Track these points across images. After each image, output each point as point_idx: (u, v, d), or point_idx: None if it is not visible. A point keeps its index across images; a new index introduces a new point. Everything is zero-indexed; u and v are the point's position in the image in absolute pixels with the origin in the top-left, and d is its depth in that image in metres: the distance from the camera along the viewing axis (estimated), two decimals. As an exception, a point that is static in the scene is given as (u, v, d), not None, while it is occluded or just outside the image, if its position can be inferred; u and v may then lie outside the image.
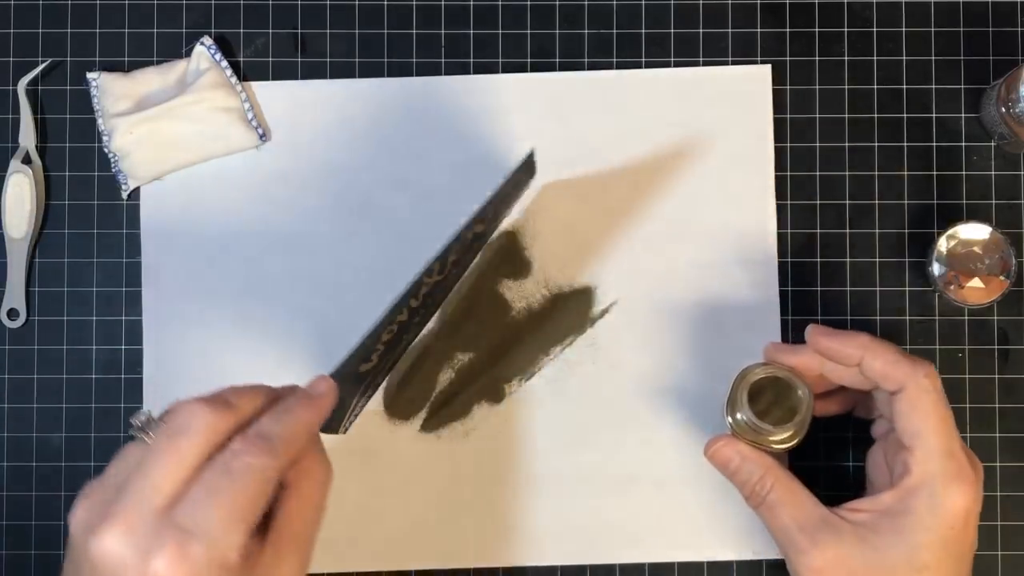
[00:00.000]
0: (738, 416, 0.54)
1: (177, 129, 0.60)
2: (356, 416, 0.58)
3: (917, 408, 0.51)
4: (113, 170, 0.61)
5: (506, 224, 0.61)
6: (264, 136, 0.61)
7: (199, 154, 0.61)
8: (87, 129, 0.62)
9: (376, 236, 0.61)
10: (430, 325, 0.61)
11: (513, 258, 0.61)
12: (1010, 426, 0.61)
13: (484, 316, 0.61)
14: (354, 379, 0.52)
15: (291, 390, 0.47)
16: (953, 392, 0.61)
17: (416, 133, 0.61)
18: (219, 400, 0.44)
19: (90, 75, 0.61)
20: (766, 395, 0.55)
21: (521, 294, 0.61)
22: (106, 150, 0.61)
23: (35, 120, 0.62)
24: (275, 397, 0.46)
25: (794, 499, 0.53)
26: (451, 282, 0.59)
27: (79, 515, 0.43)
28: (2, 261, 0.62)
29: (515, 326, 0.61)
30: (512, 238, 0.61)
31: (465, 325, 0.61)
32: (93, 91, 0.61)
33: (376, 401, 0.61)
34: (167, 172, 0.61)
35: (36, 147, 0.62)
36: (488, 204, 0.54)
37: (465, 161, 0.61)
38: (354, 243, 0.61)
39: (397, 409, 0.61)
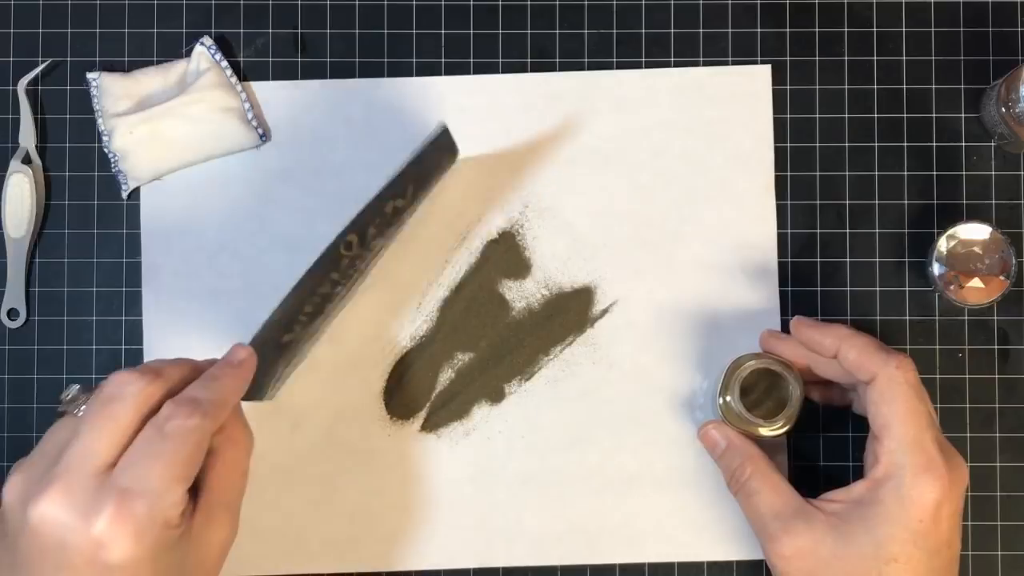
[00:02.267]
0: (729, 402, 0.56)
1: (177, 129, 0.60)
2: (280, 382, 0.57)
3: (886, 398, 0.51)
4: (113, 170, 0.61)
5: (506, 224, 0.61)
6: (264, 136, 0.61)
7: (199, 154, 0.61)
8: (87, 129, 0.62)
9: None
10: (430, 325, 0.61)
11: (513, 258, 0.61)
12: (1010, 426, 0.61)
13: (484, 316, 0.61)
14: (276, 348, 0.53)
15: (212, 361, 0.49)
16: (953, 392, 0.61)
17: (416, 133, 0.61)
18: (148, 369, 0.45)
19: (90, 75, 0.61)
20: (759, 385, 0.56)
21: (521, 294, 0.61)
22: (106, 150, 0.60)
23: (35, 120, 0.62)
24: (199, 368, 0.48)
25: (771, 488, 0.54)
26: (374, 255, 0.58)
27: (14, 486, 0.43)
28: (2, 261, 0.62)
29: (515, 326, 0.61)
30: (512, 238, 0.61)
31: (465, 325, 0.61)
32: (93, 91, 0.61)
33: (376, 401, 0.61)
34: (167, 172, 0.61)
35: (36, 147, 0.62)
36: (400, 178, 0.54)
37: (464, 161, 0.61)
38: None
39: (397, 409, 0.61)
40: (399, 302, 0.61)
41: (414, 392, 0.61)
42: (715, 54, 0.62)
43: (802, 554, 0.51)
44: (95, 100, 0.61)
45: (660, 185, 0.61)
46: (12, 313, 0.61)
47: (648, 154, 0.61)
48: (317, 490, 0.60)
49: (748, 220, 0.61)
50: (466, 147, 0.61)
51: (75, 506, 0.41)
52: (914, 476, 0.50)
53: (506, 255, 0.61)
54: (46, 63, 0.62)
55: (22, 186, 0.61)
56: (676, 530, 0.60)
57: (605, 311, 0.61)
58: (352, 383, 0.61)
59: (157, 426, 0.43)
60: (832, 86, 0.62)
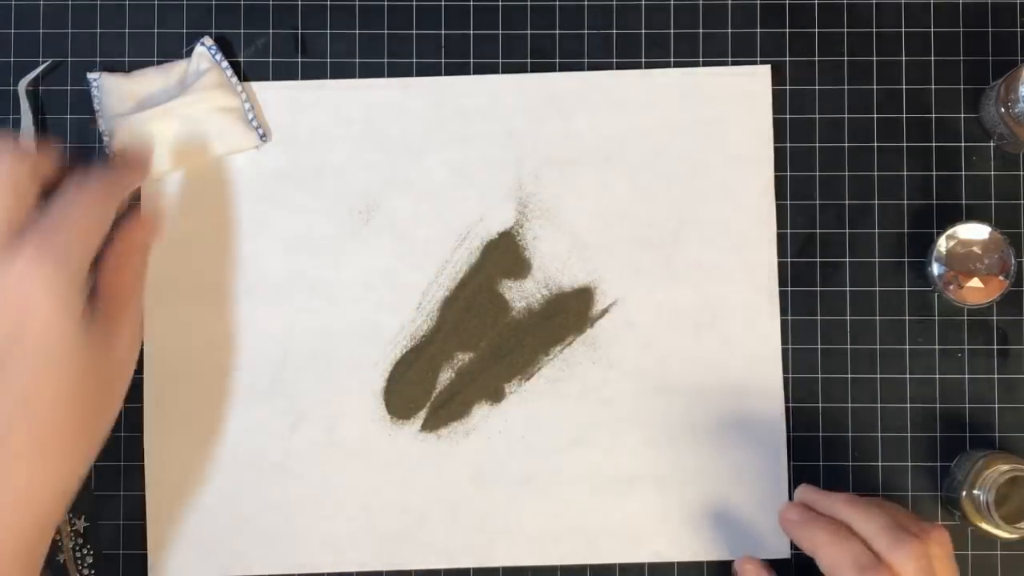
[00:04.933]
0: (977, 500, 0.56)
1: (177, 129, 0.60)
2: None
3: None
4: None
5: (506, 224, 0.61)
6: (264, 136, 0.61)
7: (200, 154, 0.61)
8: (87, 129, 0.62)
9: (376, 236, 0.61)
10: (430, 325, 0.61)
11: (513, 258, 0.61)
12: (1010, 426, 0.61)
13: (484, 316, 0.61)
14: None
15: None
16: (953, 392, 0.61)
17: (416, 133, 0.61)
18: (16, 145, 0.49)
19: (91, 75, 0.61)
20: (1003, 487, 0.56)
21: (521, 294, 0.61)
22: (107, 150, 0.61)
23: (36, 120, 0.62)
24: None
25: None
26: None
27: None
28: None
29: (515, 326, 0.61)
30: (512, 238, 0.61)
31: (465, 325, 0.61)
32: (94, 91, 0.61)
33: (376, 401, 0.61)
34: (167, 172, 0.61)
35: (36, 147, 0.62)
36: None
37: (465, 161, 0.61)
38: (354, 243, 0.61)
39: (397, 409, 0.61)
40: (399, 302, 0.61)
41: (414, 392, 0.61)
42: (715, 54, 0.62)
43: None
44: (96, 100, 0.61)
45: (660, 185, 0.61)
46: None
47: (648, 154, 0.61)
48: (317, 489, 0.60)
49: (748, 220, 0.61)
50: (466, 147, 0.61)
51: None
52: None
53: (506, 255, 0.61)
54: (47, 63, 0.62)
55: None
56: (676, 530, 0.60)
57: (605, 311, 0.61)
58: (352, 383, 0.61)
59: (62, 195, 0.48)
60: (832, 86, 0.62)
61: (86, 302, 0.48)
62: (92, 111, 0.61)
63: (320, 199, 0.61)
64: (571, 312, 0.61)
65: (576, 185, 0.61)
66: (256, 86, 0.62)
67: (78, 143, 0.62)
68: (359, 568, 0.60)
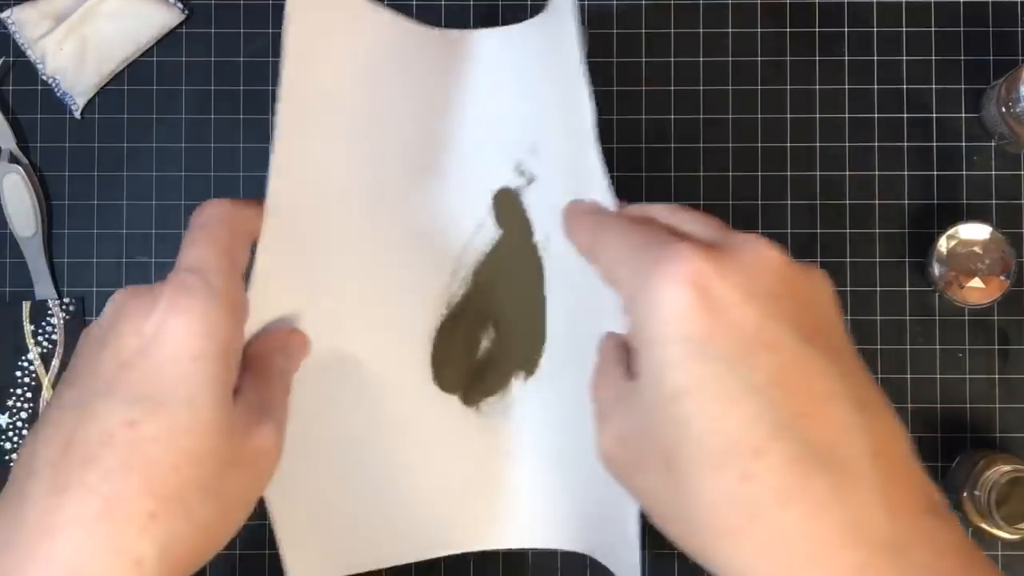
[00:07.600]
0: (977, 500, 0.56)
1: (101, 29, 0.61)
2: None
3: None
4: (59, 95, 0.61)
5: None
6: (184, 8, 0.62)
7: (131, 47, 0.61)
8: (86, 129, 0.62)
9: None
10: (465, 291, 0.55)
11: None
12: (1010, 426, 0.61)
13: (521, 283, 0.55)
14: None
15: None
16: (953, 392, 0.61)
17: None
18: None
19: (2, 15, 0.61)
20: (1004, 487, 0.56)
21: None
22: (44, 77, 0.61)
23: (8, 120, 0.62)
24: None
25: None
26: None
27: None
28: (14, 261, 0.61)
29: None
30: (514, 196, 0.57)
31: (500, 292, 0.56)
32: (12, 28, 0.61)
33: (417, 374, 0.55)
34: (108, 76, 0.62)
35: (17, 146, 0.62)
36: None
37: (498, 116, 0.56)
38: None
39: (440, 382, 0.55)
40: (434, 268, 0.56)
41: (453, 363, 0.55)
42: (715, 54, 0.62)
43: (621, 435, 0.39)
44: (16, 36, 0.61)
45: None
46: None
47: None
48: (350, 467, 0.54)
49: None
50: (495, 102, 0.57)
51: (142, 291, 0.42)
52: (645, 275, 0.36)
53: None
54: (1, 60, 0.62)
55: (19, 185, 0.61)
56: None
57: None
58: (390, 356, 0.55)
59: (192, 222, 0.44)
60: (832, 86, 0.62)
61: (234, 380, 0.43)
62: (20, 52, 0.61)
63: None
64: None
65: None
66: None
67: (78, 143, 0.62)
68: (375, 565, 0.56)
